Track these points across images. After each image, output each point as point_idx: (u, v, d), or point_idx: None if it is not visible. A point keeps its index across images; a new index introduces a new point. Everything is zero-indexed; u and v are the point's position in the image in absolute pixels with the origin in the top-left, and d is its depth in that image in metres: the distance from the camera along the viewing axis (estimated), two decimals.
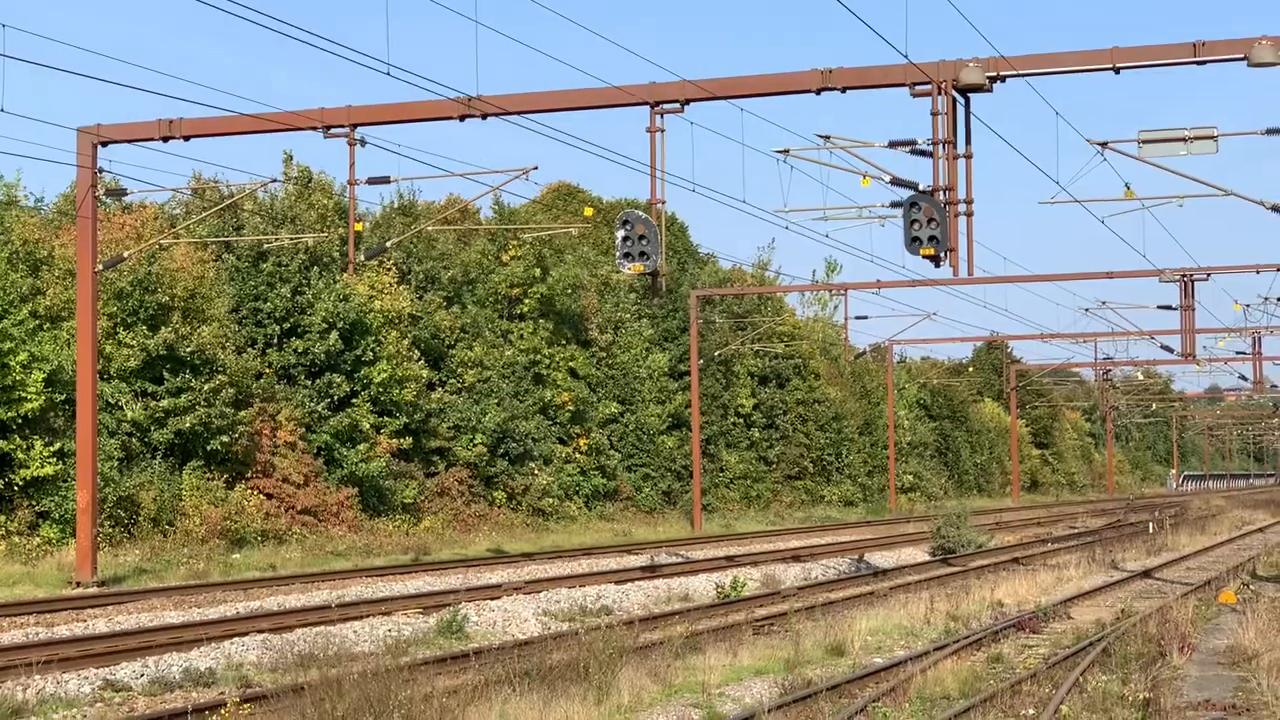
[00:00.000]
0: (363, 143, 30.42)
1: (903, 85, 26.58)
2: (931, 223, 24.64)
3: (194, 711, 15.21)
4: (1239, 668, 17.95)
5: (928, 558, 41.34)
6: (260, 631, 22.30)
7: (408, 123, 31.10)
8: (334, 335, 45.93)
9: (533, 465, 54.34)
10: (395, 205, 56.28)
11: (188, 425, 39.72)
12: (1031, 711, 15.68)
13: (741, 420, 71.28)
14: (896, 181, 26.68)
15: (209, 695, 16.96)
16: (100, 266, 32.73)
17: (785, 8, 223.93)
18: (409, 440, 48.53)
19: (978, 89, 25.95)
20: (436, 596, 27.60)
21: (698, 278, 69.63)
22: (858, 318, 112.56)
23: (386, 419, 47.90)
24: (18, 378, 35.44)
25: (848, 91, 27.58)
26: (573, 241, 61.33)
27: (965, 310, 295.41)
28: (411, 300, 51.66)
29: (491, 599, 27.71)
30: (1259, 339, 67.63)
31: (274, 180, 40.21)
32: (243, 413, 41.82)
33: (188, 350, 40.32)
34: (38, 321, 38.37)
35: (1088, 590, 29.98)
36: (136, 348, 39.61)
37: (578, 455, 57.98)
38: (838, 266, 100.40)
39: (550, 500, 54.27)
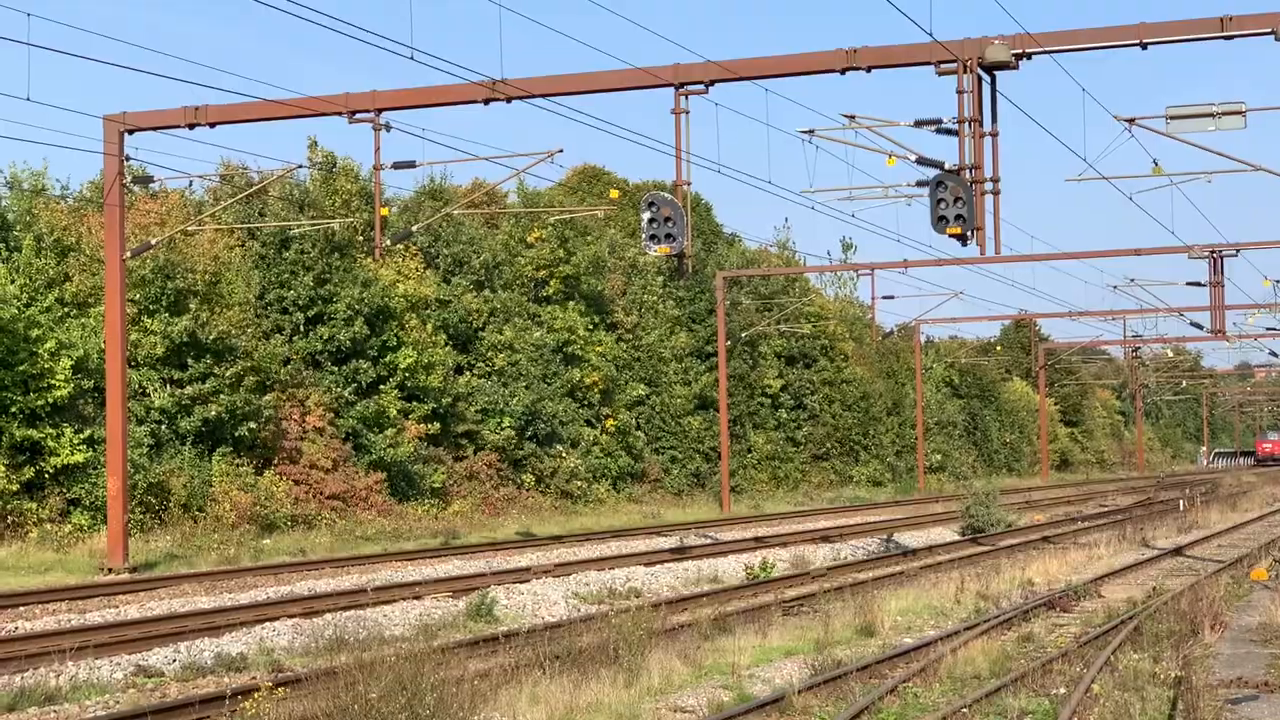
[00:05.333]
0: (388, 127, 30.42)
1: (928, 64, 26.47)
2: (958, 201, 24.55)
3: (228, 696, 15.27)
4: (1271, 644, 17.89)
5: (957, 537, 41.28)
6: (291, 616, 22.42)
7: (432, 107, 31.12)
8: (359, 321, 45.99)
9: (560, 448, 54.37)
10: (425, 189, 56.30)
11: (214, 413, 39.83)
12: (1063, 690, 15.64)
13: (769, 400, 71.24)
14: (922, 160, 26.56)
15: (241, 680, 17.03)
16: (128, 254, 32.85)
17: None
18: (436, 426, 48.57)
19: (1004, 66, 25.83)
20: (466, 580, 27.70)
21: (724, 258, 69.50)
22: (885, 297, 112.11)
23: (414, 404, 47.98)
24: (46, 365, 35.57)
25: (873, 71, 27.49)
26: (599, 224, 61.32)
27: (993, 289, 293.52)
28: (438, 284, 51.66)
29: (521, 582, 27.79)
30: None
31: (299, 166, 40.28)
32: (267, 398, 41.92)
33: (210, 337, 40.41)
34: (65, 309, 38.50)
35: (1118, 568, 29.91)
36: (160, 334, 39.71)
37: (605, 437, 58.02)
38: (853, 246, 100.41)
39: (578, 483, 54.30)
